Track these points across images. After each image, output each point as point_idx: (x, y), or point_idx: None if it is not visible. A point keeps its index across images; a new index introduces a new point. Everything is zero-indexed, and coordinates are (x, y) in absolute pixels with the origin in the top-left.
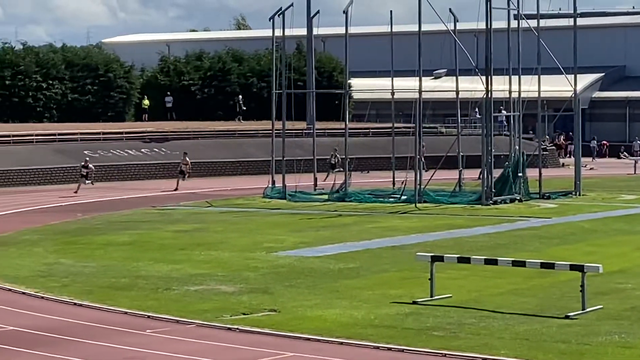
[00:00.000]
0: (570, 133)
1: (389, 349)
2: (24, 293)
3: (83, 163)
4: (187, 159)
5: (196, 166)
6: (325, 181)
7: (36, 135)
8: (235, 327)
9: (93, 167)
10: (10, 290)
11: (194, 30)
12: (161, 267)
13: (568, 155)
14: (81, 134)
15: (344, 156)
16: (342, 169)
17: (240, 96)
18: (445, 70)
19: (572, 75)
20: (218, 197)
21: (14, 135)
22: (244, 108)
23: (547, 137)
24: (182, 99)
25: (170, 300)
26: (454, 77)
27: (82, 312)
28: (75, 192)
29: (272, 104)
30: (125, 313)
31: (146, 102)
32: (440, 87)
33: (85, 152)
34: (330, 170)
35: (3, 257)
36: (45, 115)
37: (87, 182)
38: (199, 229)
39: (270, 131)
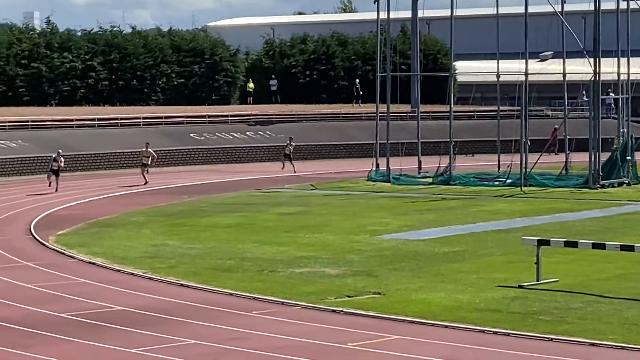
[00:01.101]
0: None
1: (495, 333)
2: (132, 274)
3: (54, 156)
4: (150, 149)
5: (300, 149)
6: (283, 171)
7: (143, 118)
8: (340, 309)
9: (62, 162)
10: (119, 271)
11: (301, 13)
12: (266, 249)
13: None
14: (187, 117)
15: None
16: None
17: (358, 80)
18: (552, 52)
19: None
20: (322, 180)
21: (121, 118)
22: (362, 92)
23: None
24: (287, 82)
25: (275, 282)
26: (561, 60)
27: (189, 293)
28: (50, 185)
29: (376, 87)
30: (231, 294)
31: (251, 85)
32: (546, 69)
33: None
34: (284, 159)
35: (112, 239)
36: (152, 98)
37: (55, 178)
38: (303, 212)
39: (375, 114)
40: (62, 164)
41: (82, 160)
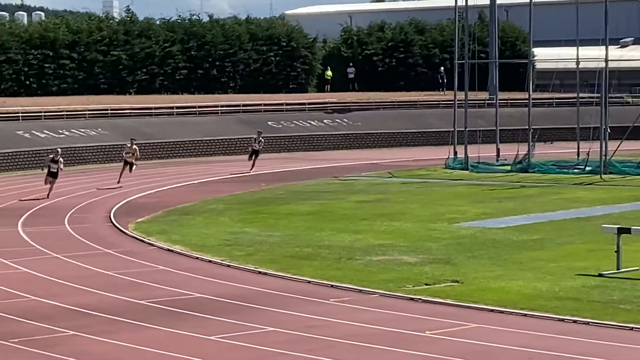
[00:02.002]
0: None
1: (574, 321)
2: (210, 261)
3: (52, 156)
4: (134, 146)
5: (377, 137)
6: (252, 170)
7: (221, 106)
8: (418, 297)
9: (62, 164)
10: (197, 258)
11: (379, 1)
12: (344, 237)
13: None
14: (264, 105)
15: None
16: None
17: (442, 68)
18: (632, 38)
19: None
20: (399, 167)
21: (199, 106)
22: (446, 80)
23: None
24: (364, 70)
25: (353, 270)
26: None
27: (267, 281)
28: (48, 196)
29: (454, 74)
30: (309, 282)
31: (329, 73)
32: (626, 55)
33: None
34: (252, 156)
35: (190, 226)
36: (230, 86)
37: (52, 181)
38: (381, 200)
39: (452, 102)
40: (62, 166)
41: (159, 148)
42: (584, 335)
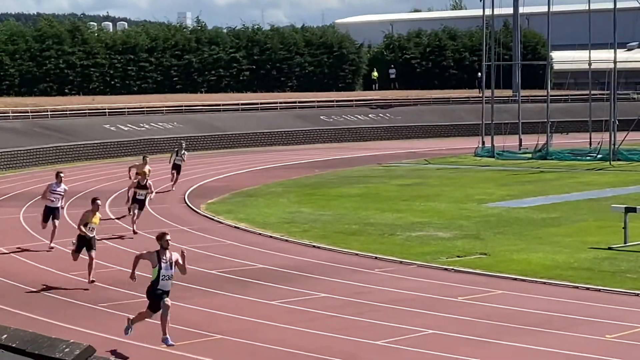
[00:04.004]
0: None
1: (587, 288)
2: (271, 237)
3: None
4: (148, 167)
5: (415, 129)
6: (174, 186)
7: (280, 102)
8: (451, 267)
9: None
10: (260, 234)
11: (417, 10)
12: (387, 215)
13: None
14: (317, 101)
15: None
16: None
17: (480, 74)
18: (638, 42)
19: None
20: (434, 155)
21: (261, 103)
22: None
23: None
24: (404, 72)
25: (395, 244)
26: None
27: (319, 253)
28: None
29: (482, 75)
30: (356, 255)
31: (375, 74)
32: (632, 57)
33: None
34: (172, 172)
35: (253, 207)
36: (288, 85)
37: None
38: (419, 183)
39: (481, 98)
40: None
41: (226, 139)
42: (596, 301)
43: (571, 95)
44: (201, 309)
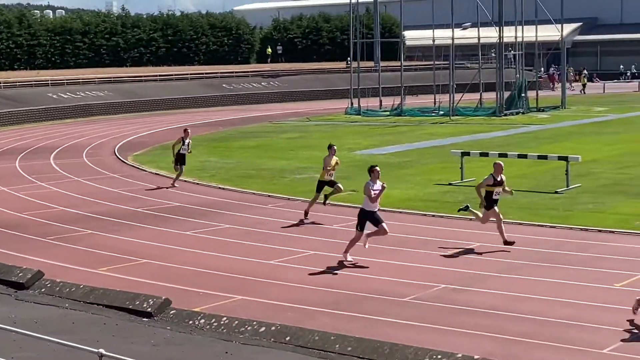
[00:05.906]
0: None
1: (433, 216)
2: (185, 181)
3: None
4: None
5: (298, 94)
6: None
7: (190, 74)
8: (329, 202)
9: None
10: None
11: None
12: (277, 162)
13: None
14: (220, 72)
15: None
16: None
17: (349, 58)
18: (470, 23)
19: (560, 24)
20: (313, 114)
21: (175, 74)
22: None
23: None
24: (289, 48)
25: (284, 185)
26: (476, 29)
27: (224, 193)
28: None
29: (350, 49)
30: (254, 194)
31: (269, 50)
32: (467, 35)
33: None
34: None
35: (171, 157)
36: (196, 60)
37: None
38: (302, 137)
39: (349, 68)
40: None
41: (148, 104)
42: (441, 225)
43: (420, 65)
44: (129, 239)
